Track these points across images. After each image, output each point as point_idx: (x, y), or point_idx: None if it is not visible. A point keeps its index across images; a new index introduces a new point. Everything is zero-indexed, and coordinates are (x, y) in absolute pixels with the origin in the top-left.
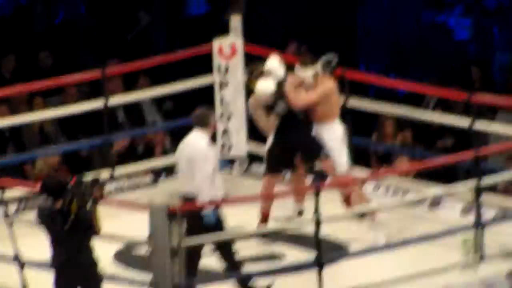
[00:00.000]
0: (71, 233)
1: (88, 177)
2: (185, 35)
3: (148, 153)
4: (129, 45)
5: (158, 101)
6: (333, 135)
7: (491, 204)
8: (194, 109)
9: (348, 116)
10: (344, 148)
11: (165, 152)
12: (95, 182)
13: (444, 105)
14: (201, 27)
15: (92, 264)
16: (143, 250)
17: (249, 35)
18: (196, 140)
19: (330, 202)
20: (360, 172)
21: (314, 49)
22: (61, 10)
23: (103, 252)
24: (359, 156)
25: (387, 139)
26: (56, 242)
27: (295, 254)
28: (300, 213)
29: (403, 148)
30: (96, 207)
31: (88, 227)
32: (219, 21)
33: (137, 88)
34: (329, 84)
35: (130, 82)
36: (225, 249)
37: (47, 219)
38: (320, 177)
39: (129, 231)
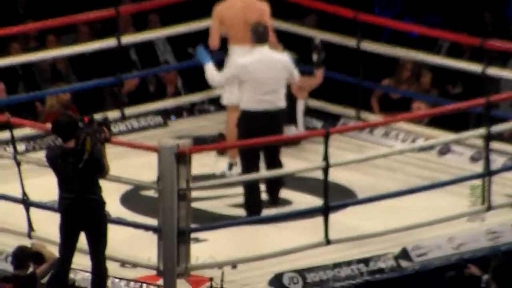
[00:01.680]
0: (83, 173)
1: (98, 116)
2: None
3: (160, 93)
4: None
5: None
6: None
7: (500, 152)
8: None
9: (361, 59)
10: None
11: (177, 92)
12: (105, 121)
13: (457, 51)
14: None
15: (100, 205)
16: (150, 193)
17: None
18: (278, 55)
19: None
20: (372, 117)
21: None
22: None
23: (110, 193)
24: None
25: (403, 84)
26: (66, 182)
27: (302, 199)
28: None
29: (417, 94)
30: (104, 147)
31: (98, 166)
32: None
33: (148, 25)
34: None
35: (140, 19)
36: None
37: (58, 158)
38: (331, 121)
39: (137, 172)
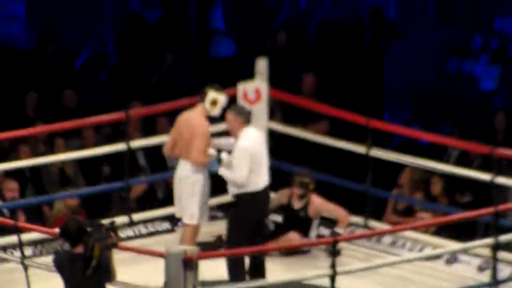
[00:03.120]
0: (91, 279)
1: (106, 221)
2: (212, 77)
3: (168, 198)
4: (153, 86)
5: None
6: None
7: (508, 262)
8: None
9: (370, 166)
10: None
11: None
12: (112, 226)
13: (466, 158)
14: (229, 69)
15: None
16: None
17: (273, 82)
18: (259, 132)
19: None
20: (379, 225)
21: (339, 98)
22: (87, 47)
23: None
24: (377, 208)
25: (406, 192)
26: (74, 287)
27: None
28: None
29: (425, 202)
30: (112, 253)
31: (106, 273)
32: (246, 63)
33: (156, 129)
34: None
35: (148, 122)
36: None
37: (66, 264)
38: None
39: (144, 279)
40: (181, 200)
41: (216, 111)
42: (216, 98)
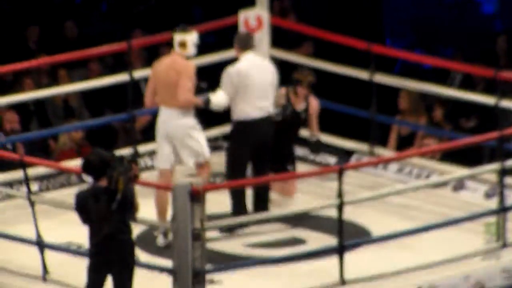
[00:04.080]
0: (115, 213)
1: (126, 154)
2: (218, 6)
3: None
4: (155, 15)
5: None
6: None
7: None
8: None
9: (374, 93)
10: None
11: None
12: (134, 158)
13: (470, 82)
14: None
15: (130, 246)
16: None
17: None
18: (265, 61)
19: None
20: (384, 152)
21: (341, 24)
22: None
23: None
24: (383, 135)
25: (406, 117)
26: (98, 222)
27: (317, 238)
28: None
29: (431, 127)
30: (134, 185)
31: (130, 206)
32: None
33: (160, 58)
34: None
35: (152, 52)
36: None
37: (90, 200)
38: (344, 158)
39: (152, 212)
40: (189, 146)
41: (189, 51)
42: (182, 39)
